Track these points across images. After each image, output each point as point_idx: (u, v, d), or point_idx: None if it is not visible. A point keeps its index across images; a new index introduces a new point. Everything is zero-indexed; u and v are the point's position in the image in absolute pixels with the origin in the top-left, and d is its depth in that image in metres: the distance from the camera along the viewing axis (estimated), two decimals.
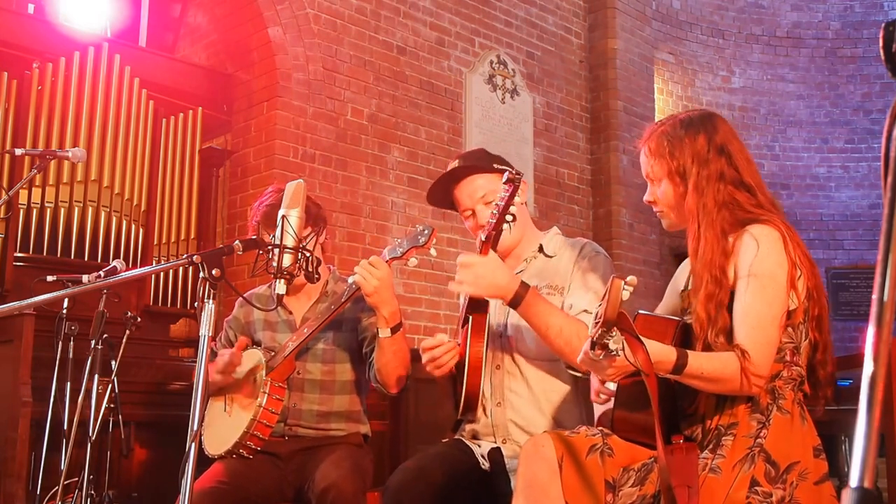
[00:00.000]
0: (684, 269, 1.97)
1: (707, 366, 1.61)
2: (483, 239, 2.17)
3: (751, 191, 1.78)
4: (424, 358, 2.26)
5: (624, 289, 1.44)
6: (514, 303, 2.10)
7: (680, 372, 1.60)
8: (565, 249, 2.36)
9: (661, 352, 1.59)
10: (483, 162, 2.37)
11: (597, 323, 1.47)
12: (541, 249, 2.37)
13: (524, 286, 2.10)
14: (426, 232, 2.35)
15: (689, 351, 1.63)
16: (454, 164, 2.40)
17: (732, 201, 1.76)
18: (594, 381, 1.92)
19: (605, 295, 1.45)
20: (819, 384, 1.74)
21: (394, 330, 2.37)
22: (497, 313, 2.32)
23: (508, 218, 2.13)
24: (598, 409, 1.92)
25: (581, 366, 1.68)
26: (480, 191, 2.33)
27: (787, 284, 1.67)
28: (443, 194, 2.43)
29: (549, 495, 1.66)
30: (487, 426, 2.28)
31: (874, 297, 0.75)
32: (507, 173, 2.11)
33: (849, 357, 1.97)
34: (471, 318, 2.22)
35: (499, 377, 2.29)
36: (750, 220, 1.73)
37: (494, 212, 2.13)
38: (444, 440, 2.38)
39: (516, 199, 2.15)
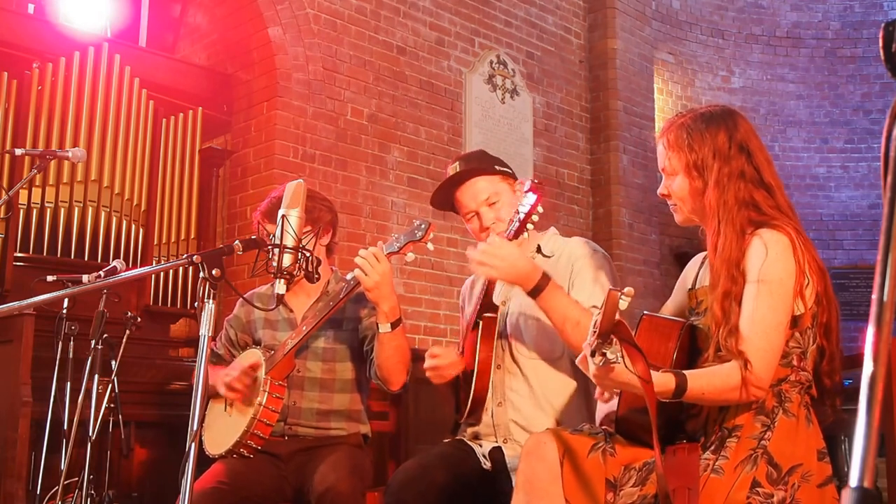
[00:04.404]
0: (693, 266, 1.96)
1: (708, 386, 1.61)
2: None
3: (770, 191, 1.76)
4: (428, 363, 2.27)
5: (621, 298, 1.45)
6: (535, 291, 2.08)
7: (680, 396, 1.60)
8: (563, 249, 2.37)
9: (660, 382, 1.57)
10: (485, 164, 2.38)
11: (594, 332, 1.48)
12: (539, 250, 2.38)
13: (546, 276, 2.09)
14: (423, 227, 2.36)
15: (687, 373, 1.62)
16: (454, 166, 2.41)
17: (751, 200, 1.74)
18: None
19: (602, 306, 1.46)
20: (826, 393, 1.73)
21: (394, 325, 2.37)
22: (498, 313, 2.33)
23: (530, 226, 2.15)
24: (601, 411, 1.92)
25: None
26: (483, 193, 2.33)
27: (794, 291, 1.66)
28: (444, 197, 2.43)
29: (550, 493, 1.66)
30: (489, 426, 2.29)
31: (874, 297, 0.75)
32: (529, 182, 2.11)
33: (849, 357, 1.97)
34: (481, 322, 2.22)
35: (500, 377, 2.29)
36: (762, 223, 1.72)
37: (515, 218, 2.12)
38: (444, 440, 2.39)
39: (524, 202, 2.16)
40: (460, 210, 2.41)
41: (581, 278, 2.27)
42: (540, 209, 2.13)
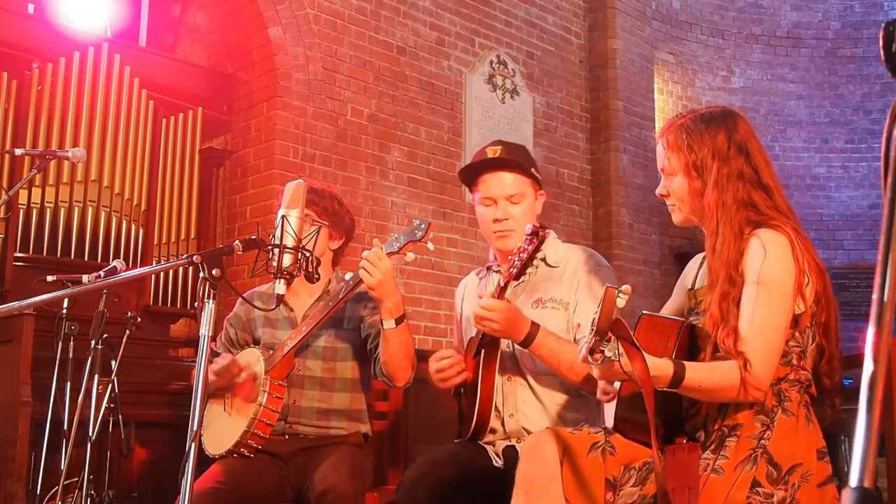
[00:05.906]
0: (693, 266, 1.96)
1: (706, 379, 1.61)
2: (501, 284, 2.17)
3: (768, 192, 1.76)
4: (433, 367, 2.29)
5: (619, 296, 1.45)
6: (525, 343, 2.15)
7: (678, 385, 1.60)
8: (568, 260, 2.37)
9: (658, 367, 1.58)
10: (525, 162, 2.39)
11: (592, 330, 1.48)
12: (543, 259, 2.38)
13: (535, 327, 2.14)
14: (423, 226, 2.36)
15: (686, 363, 1.62)
16: (495, 149, 2.39)
17: (749, 201, 1.74)
18: (601, 382, 1.92)
19: (599, 304, 1.47)
20: (826, 393, 1.73)
21: (398, 321, 2.38)
22: None
23: (529, 270, 2.15)
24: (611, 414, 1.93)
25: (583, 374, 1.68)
26: (511, 188, 2.34)
27: (793, 291, 1.66)
28: (471, 172, 2.42)
29: (549, 492, 1.66)
30: (501, 433, 2.31)
31: (874, 297, 0.75)
32: (531, 226, 2.12)
33: (849, 357, 1.97)
34: (483, 350, 2.24)
35: (511, 388, 2.31)
36: (761, 223, 1.72)
37: (516, 261, 2.13)
38: (455, 441, 2.40)
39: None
40: (479, 191, 2.39)
41: (586, 299, 2.27)
42: (538, 254, 2.18)
